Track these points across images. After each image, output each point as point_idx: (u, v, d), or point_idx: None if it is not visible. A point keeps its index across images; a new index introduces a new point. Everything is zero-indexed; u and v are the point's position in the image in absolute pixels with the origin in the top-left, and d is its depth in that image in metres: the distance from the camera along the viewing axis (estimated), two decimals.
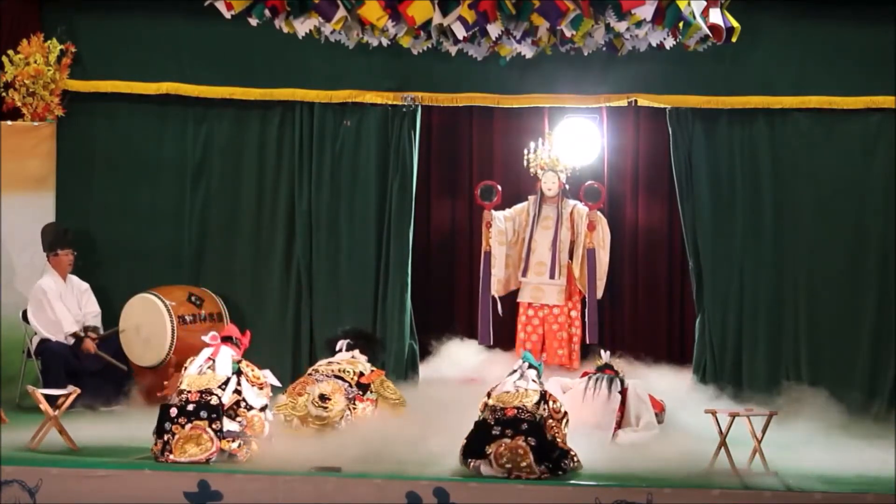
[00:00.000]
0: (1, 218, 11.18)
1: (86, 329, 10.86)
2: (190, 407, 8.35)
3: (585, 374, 9.66)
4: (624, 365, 9.90)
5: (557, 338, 11.07)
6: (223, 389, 8.45)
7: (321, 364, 9.73)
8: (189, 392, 8.42)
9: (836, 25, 10.94)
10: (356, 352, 9.86)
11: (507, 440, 7.98)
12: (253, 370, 8.67)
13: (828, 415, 10.12)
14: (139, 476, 7.91)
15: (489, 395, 8.43)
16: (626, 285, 12.03)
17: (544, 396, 8.32)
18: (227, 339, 8.84)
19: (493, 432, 8.05)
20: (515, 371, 8.57)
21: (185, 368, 8.71)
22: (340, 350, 9.89)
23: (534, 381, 8.43)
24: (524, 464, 7.93)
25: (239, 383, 8.51)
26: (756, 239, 11.22)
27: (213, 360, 8.59)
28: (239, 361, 8.64)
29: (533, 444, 7.95)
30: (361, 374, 9.67)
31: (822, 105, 11.10)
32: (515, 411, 8.13)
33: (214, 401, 8.37)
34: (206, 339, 8.83)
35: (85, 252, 11.22)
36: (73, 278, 11.04)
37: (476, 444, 8.09)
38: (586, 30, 8.49)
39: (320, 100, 11.41)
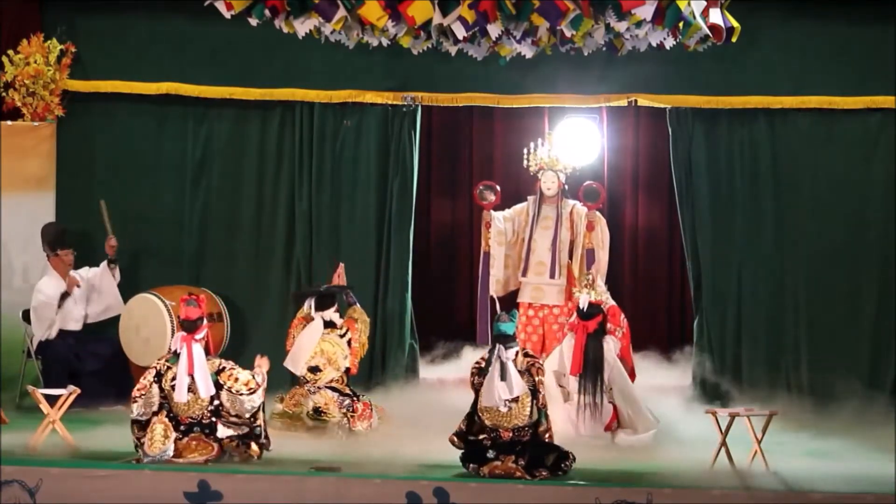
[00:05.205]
0: (1, 218, 11.18)
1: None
2: (182, 427, 8.38)
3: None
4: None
5: (557, 338, 11.04)
6: (211, 407, 8.43)
7: (303, 338, 9.75)
8: (179, 415, 8.41)
9: (836, 25, 10.95)
10: (332, 310, 9.92)
11: (499, 462, 8.04)
12: (236, 380, 8.44)
13: (827, 414, 10.14)
14: (139, 476, 7.91)
15: (479, 370, 8.29)
16: (625, 285, 12.04)
17: (535, 387, 8.23)
18: (191, 327, 8.52)
19: (488, 455, 8.09)
20: (494, 361, 8.18)
21: (167, 382, 8.45)
22: (310, 310, 9.92)
23: (513, 360, 8.15)
24: (517, 475, 7.99)
25: (218, 396, 8.45)
26: (756, 239, 11.23)
27: (192, 377, 8.37)
28: (218, 372, 8.47)
29: (523, 463, 7.99)
30: (348, 370, 9.84)
31: (822, 105, 11.11)
32: (511, 434, 8.14)
33: (206, 419, 8.39)
34: (174, 346, 8.52)
35: (85, 252, 11.21)
36: (74, 275, 11.00)
37: (472, 458, 8.14)
38: (586, 30, 8.50)
39: (320, 100, 11.41)
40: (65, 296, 10.85)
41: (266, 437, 8.55)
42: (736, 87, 11.12)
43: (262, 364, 8.57)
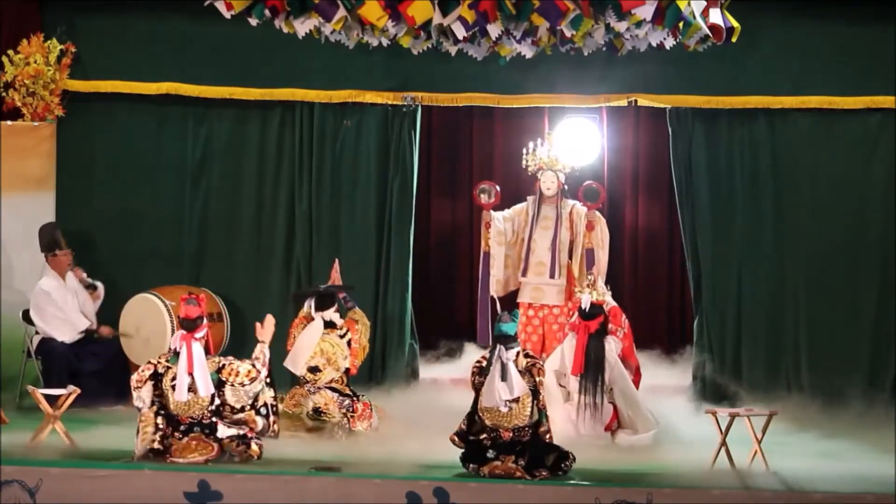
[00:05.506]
0: (1, 218, 11.18)
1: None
2: (182, 427, 8.37)
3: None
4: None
5: (557, 338, 11.04)
6: (211, 406, 8.42)
7: (302, 338, 9.76)
8: (179, 415, 8.41)
9: (836, 25, 10.95)
10: (332, 310, 9.90)
11: (500, 462, 8.02)
12: (237, 374, 8.43)
13: (828, 414, 10.14)
14: (139, 476, 7.90)
15: (479, 370, 8.27)
16: (625, 285, 12.04)
17: (535, 388, 8.22)
18: (191, 326, 8.51)
19: (488, 455, 8.08)
20: (495, 361, 8.14)
21: (166, 381, 8.42)
22: (311, 309, 9.91)
23: (514, 361, 8.10)
24: (517, 475, 7.98)
25: (221, 393, 8.45)
26: (756, 239, 11.23)
27: (192, 376, 8.35)
28: (219, 370, 8.46)
29: (523, 463, 7.97)
30: (348, 370, 9.84)
31: (822, 105, 11.11)
32: (511, 434, 8.13)
33: (206, 419, 8.38)
34: (174, 345, 8.49)
35: (85, 252, 11.21)
36: (72, 277, 11.02)
37: (472, 458, 8.12)
38: (586, 30, 8.50)
39: (320, 100, 11.41)
40: (91, 332, 10.94)
41: (276, 416, 8.53)
42: (736, 87, 11.12)
43: (265, 333, 8.57)
